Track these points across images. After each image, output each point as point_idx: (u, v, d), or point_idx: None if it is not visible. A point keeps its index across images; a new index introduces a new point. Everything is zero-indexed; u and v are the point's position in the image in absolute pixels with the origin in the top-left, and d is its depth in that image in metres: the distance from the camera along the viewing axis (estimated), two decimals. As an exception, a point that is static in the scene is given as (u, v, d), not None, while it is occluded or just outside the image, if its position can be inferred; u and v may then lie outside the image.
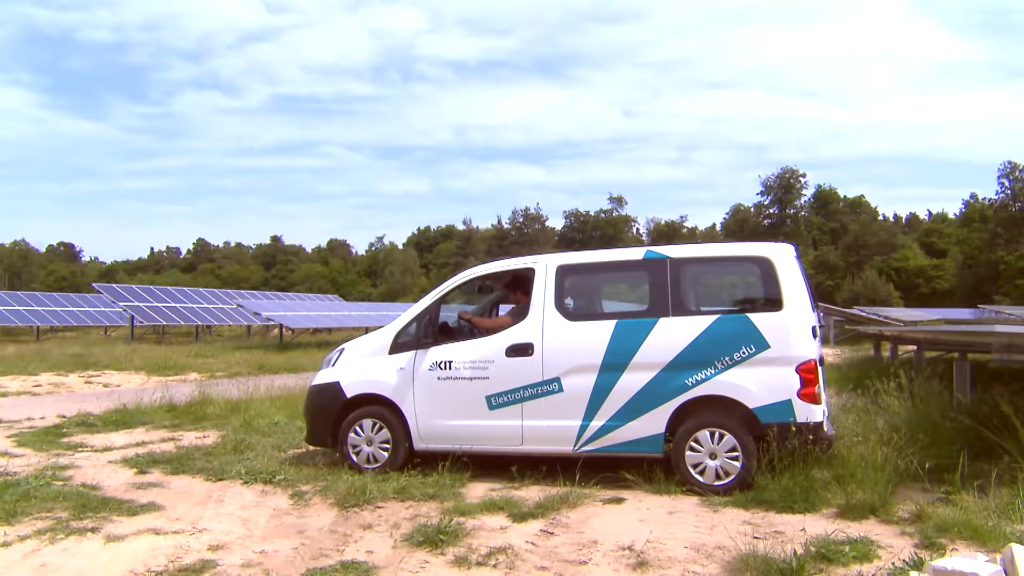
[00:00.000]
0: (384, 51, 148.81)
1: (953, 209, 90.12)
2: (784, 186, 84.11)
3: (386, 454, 6.46)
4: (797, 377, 5.55)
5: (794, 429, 5.46)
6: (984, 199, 79.61)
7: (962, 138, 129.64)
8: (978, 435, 6.04)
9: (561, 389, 6.03)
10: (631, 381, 5.85)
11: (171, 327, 29.85)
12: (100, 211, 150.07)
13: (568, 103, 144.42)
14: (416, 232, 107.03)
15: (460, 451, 6.28)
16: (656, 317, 5.93)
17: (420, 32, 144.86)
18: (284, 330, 24.72)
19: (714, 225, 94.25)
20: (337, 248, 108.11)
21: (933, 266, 72.75)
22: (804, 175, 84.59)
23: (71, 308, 34.77)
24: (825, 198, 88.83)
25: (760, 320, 5.70)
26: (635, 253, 6.62)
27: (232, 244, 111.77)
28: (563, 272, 6.34)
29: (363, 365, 6.66)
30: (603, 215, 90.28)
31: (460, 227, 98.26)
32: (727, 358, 5.68)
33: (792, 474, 5.46)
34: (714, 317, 5.87)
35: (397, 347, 6.55)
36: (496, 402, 6.18)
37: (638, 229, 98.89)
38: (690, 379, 5.74)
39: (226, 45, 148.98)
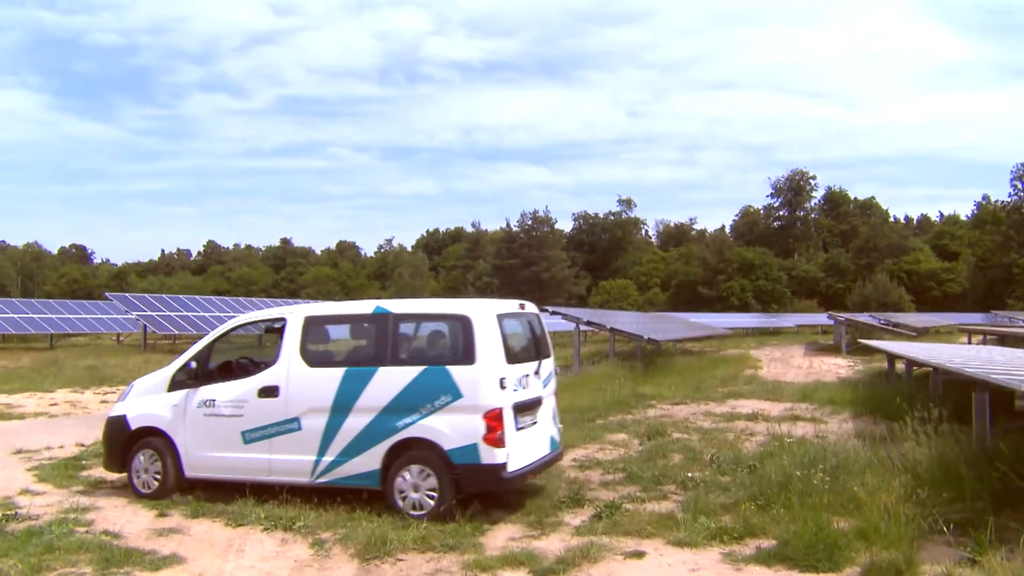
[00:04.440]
0: (389, 53, 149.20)
1: (964, 210, 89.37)
2: (794, 188, 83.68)
3: (157, 483, 7.22)
4: (483, 424, 6.24)
5: (479, 470, 6.21)
6: (997, 201, 78.99)
7: (969, 138, 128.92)
8: (1003, 482, 5.98)
9: (300, 427, 6.76)
10: (355, 422, 6.57)
11: (184, 335, 30.00)
12: (109, 212, 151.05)
13: (572, 104, 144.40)
14: (425, 234, 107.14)
15: (224, 480, 7.07)
16: (377, 366, 6.66)
17: (425, 34, 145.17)
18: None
19: (723, 227, 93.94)
20: (346, 250, 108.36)
21: (945, 269, 72.18)
22: (814, 177, 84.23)
23: (84, 315, 35.01)
24: (835, 200, 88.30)
25: (456, 372, 6.40)
26: (367, 307, 7.27)
27: (242, 246, 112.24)
28: (308, 322, 7.06)
29: (145, 401, 7.47)
30: (612, 217, 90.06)
31: (469, 229, 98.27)
32: (429, 405, 6.40)
33: (815, 526, 5.43)
34: (422, 368, 6.55)
35: (174, 385, 7.34)
36: (249, 437, 6.93)
37: (647, 231, 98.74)
38: (400, 422, 6.45)
39: (232, 47, 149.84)
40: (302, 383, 6.83)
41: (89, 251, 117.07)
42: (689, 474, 7.72)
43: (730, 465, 8.17)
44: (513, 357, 6.72)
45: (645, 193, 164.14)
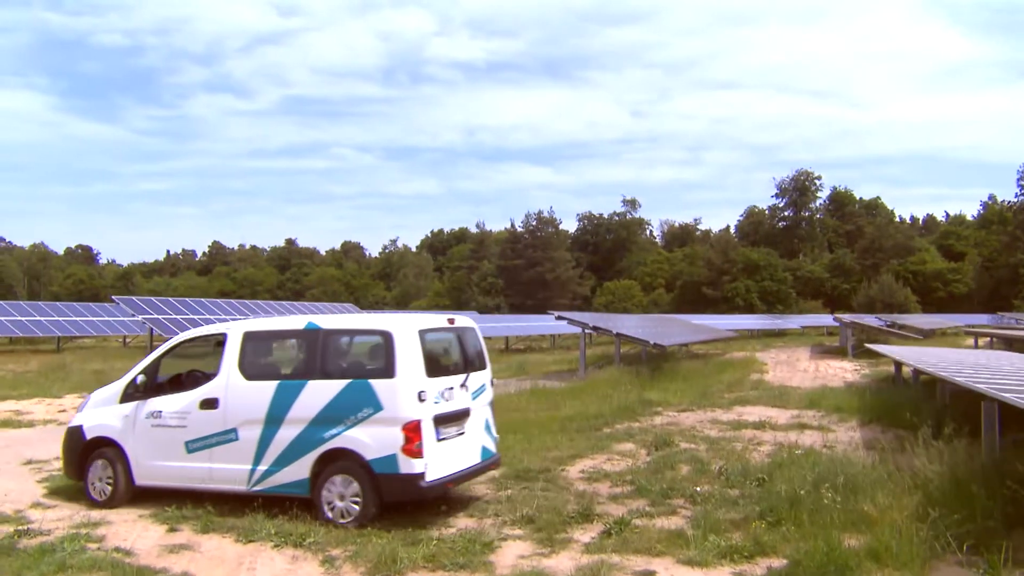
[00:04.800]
0: (393, 53, 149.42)
1: (970, 210, 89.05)
2: (799, 188, 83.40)
3: (111, 489, 7.53)
4: (402, 435, 6.50)
5: (398, 479, 6.51)
6: (1003, 201, 78.63)
7: (974, 138, 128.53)
8: (1014, 501, 5.96)
9: (237, 438, 7.06)
10: (287, 433, 6.87)
11: (189, 339, 30.11)
12: (114, 213, 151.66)
13: (576, 104, 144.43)
14: (429, 235, 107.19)
15: (171, 488, 7.36)
16: (307, 379, 6.96)
17: (428, 34, 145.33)
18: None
19: (728, 227, 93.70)
20: (351, 251, 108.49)
21: (951, 269, 71.88)
22: (819, 177, 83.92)
23: (91, 318, 35.13)
24: (841, 200, 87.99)
25: (378, 386, 6.67)
26: (300, 323, 7.56)
27: (247, 247, 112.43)
28: (247, 337, 7.39)
29: (100, 412, 7.80)
30: (616, 218, 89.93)
31: (473, 230, 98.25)
32: (353, 417, 6.66)
33: (826, 545, 5.41)
34: (347, 382, 6.80)
35: (125, 397, 7.68)
36: (192, 447, 7.25)
37: (651, 231, 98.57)
38: (327, 433, 6.72)
39: (237, 48, 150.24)
40: (239, 395, 7.14)
41: (95, 251, 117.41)
42: (698, 488, 7.71)
43: (738, 477, 8.16)
44: (435, 371, 6.97)
45: (649, 193, 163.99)
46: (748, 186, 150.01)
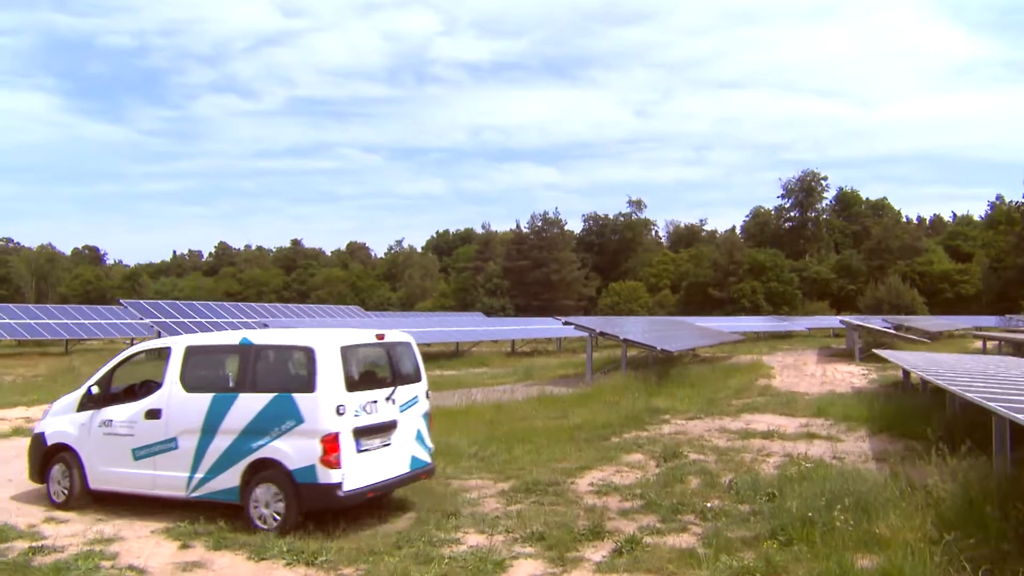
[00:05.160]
0: (398, 53, 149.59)
1: (977, 210, 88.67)
2: (805, 189, 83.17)
3: (67, 493, 7.99)
4: (320, 446, 6.82)
5: (316, 488, 6.83)
6: (1011, 201, 78.21)
7: (981, 137, 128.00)
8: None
9: (177, 446, 7.44)
10: (220, 443, 7.23)
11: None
12: (121, 213, 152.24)
13: (581, 104, 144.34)
14: (435, 235, 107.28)
15: (123, 493, 7.80)
16: (239, 392, 7.32)
17: (433, 34, 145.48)
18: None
19: (733, 228, 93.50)
20: (357, 251, 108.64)
21: (958, 270, 71.53)
22: (826, 177, 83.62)
23: (98, 320, 35.30)
24: (847, 200, 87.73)
25: (300, 399, 7.01)
26: (235, 338, 7.94)
27: (253, 247, 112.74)
28: (189, 351, 7.78)
29: (60, 420, 8.29)
30: (622, 218, 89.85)
31: (479, 230, 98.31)
32: (278, 429, 7.01)
33: (839, 568, 5.41)
34: (273, 395, 7.14)
35: (82, 406, 8.12)
36: (138, 454, 7.65)
37: (656, 232, 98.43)
38: (255, 444, 7.07)
39: (242, 49, 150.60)
40: (180, 406, 7.53)
41: (102, 252, 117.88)
42: (708, 504, 7.70)
43: (748, 492, 8.15)
44: (358, 385, 7.28)
45: (654, 193, 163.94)
46: (753, 186, 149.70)
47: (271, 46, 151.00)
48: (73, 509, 7.82)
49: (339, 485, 6.83)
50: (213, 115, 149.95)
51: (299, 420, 6.93)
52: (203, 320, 30.48)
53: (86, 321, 34.69)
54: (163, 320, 29.28)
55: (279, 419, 7.00)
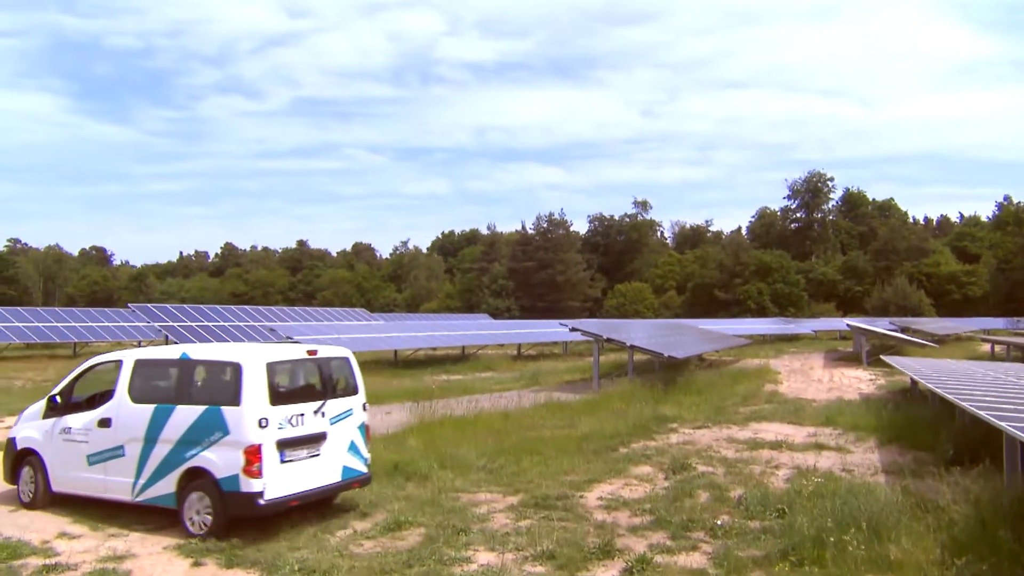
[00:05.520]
0: (402, 54, 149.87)
1: (985, 211, 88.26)
2: (811, 190, 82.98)
3: (33, 494, 8.65)
4: (243, 458, 7.19)
5: (239, 496, 7.20)
6: (1019, 202, 77.89)
7: (988, 136, 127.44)
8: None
9: (124, 454, 7.93)
10: (160, 451, 7.68)
11: (204, 346, 30.41)
12: (127, 213, 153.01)
13: (585, 104, 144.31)
14: (440, 236, 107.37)
15: (81, 496, 8.32)
16: (176, 404, 7.73)
17: (438, 35, 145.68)
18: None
19: (739, 228, 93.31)
20: (362, 252, 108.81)
21: (965, 272, 71.23)
22: (832, 178, 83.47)
23: (106, 323, 35.45)
24: (854, 201, 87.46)
25: (227, 412, 7.37)
26: (176, 352, 8.30)
27: (259, 248, 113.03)
28: (137, 364, 8.26)
29: (29, 425, 8.90)
30: (627, 219, 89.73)
31: (484, 231, 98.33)
32: (208, 440, 7.41)
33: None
34: (205, 407, 7.52)
35: (46, 414, 8.71)
36: (92, 460, 8.17)
37: (662, 233, 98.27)
38: (188, 453, 7.49)
39: (248, 50, 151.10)
40: (127, 416, 8.00)
41: (109, 253, 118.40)
42: (718, 521, 7.70)
43: (758, 507, 8.15)
44: (284, 399, 7.67)
45: (660, 193, 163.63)
46: (758, 186, 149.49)
47: (276, 47, 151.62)
48: (37, 508, 8.50)
49: (260, 494, 7.22)
50: (218, 115, 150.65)
51: (226, 432, 7.32)
52: (210, 323, 30.57)
53: (94, 324, 34.86)
54: (171, 324, 29.38)
55: (209, 430, 7.41)
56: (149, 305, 31.46)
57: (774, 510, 7.97)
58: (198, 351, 8.34)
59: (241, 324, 32.01)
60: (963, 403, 8.34)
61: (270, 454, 7.32)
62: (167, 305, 31.34)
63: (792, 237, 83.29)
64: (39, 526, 7.91)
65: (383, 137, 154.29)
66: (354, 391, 8.48)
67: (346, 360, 8.61)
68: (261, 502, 7.23)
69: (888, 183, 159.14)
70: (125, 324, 35.97)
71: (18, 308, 37.18)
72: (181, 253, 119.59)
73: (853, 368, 27.76)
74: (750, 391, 19.83)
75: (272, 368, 7.63)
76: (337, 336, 26.25)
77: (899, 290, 65.08)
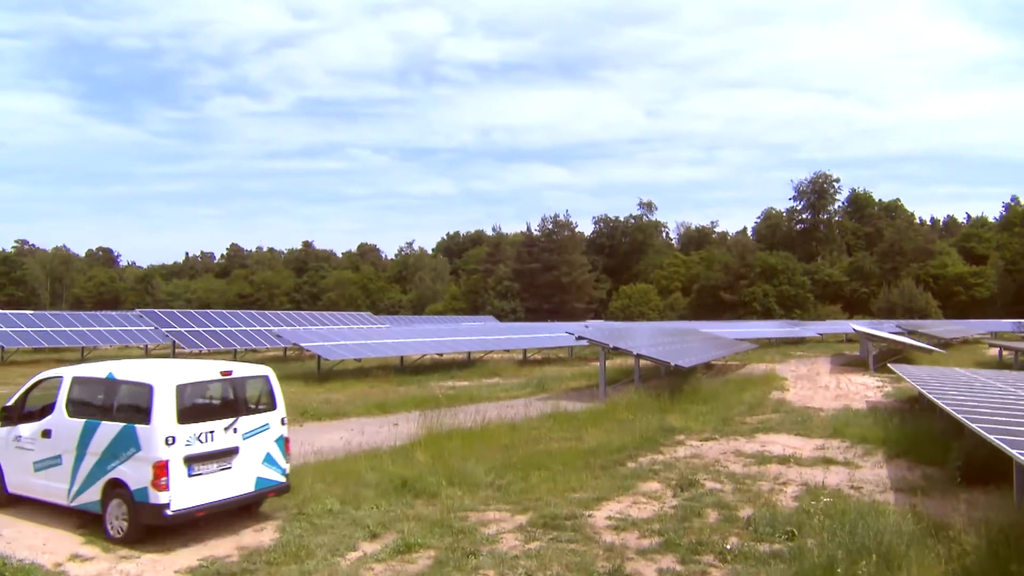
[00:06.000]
0: (407, 54, 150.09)
1: (991, 210, 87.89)
2: (817, 191, 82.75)
3: None
4: (152, 472, 7.81)
5: (148, 507, 7.82)
6: (1026, 203, 77.42)
7: (995, 136, 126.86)
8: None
9: (61, 463, 8.63)
10: (88, 462, 8.37)
11: (211, 351, 30.45)
12: (133, 214, 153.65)
13: (590, 104, 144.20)
14: (445, 237, 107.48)
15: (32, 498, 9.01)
16: (101, 420, 8.39)
17: (442, 35, 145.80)
18: (321, 360, 25.05)
19: (744, 229, 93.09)
20: (367, 253, 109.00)
21: (972, 273, 70.92)
22: (838, 179, 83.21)
23: (114, 328, 35.62)
24: (860, 202, 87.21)
25: (139, 429, 8.00)
26: (103, 372, 8.93)
27: (264, 249, 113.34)
28: (74, 382, 8.97)
29: None
30: (632, 220, 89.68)
31: (488, 232, 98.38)
32: (125, 454, 8.06)
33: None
34: (123, 424, 8.18)
35: (3, 422, 9.41)
36: (37, 467, 8.90)
37: (667, 234, 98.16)
38: (110, 466, 8.16)
39: (253, 50, 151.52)
40: (63, 429, 8.68)
41: (115, 254, 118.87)
42: (727, 544, 7.70)
43: (767, 528, 8.16)
44: (193, 417, 8.19)
45: (665, 193, 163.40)
46: (764, 186, 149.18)
47: (281, 47, 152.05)
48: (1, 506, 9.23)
49: (167, 505, 7.84)
50: (224, 116, 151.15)
51: (138, 448, 7.97)
52: (217, 329, 30.68)
53: (101, 328, 35.03)
54: (178, 329, 29.50)
55: (126, 446, 8.06)
56: (157, 311, 31.59)
57: (783, 532, 7.98)
58: (122, 371, 8.86)
59: (248, 329, 32.12)
60: (974, 425, 8.32)
61: (177, 469, 7.91)
62: (175, 311, 31.46)
63: (798, 238, 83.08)
64: (52, 547, 7.95)
65: (388, 137, 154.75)
66: (272, 407, 9.06)
67: (266, 378, 9.16)
68: (168, 513, 7.83)
69: (895, 182, 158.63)
70: (132, 328, 36.13)
71: (27, 312, 37.39)
72: (187, 254, 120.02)
73: (860, 374, 27.69)
74: (757, 399, 19.81)
75: (181, 389, 8.20)
76: (344, 342, 26.33)
77: (905, 292, 64.88)
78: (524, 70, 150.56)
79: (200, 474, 8.12)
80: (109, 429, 8.23)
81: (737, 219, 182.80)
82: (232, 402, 8.80)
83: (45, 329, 33.51)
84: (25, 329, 32.64)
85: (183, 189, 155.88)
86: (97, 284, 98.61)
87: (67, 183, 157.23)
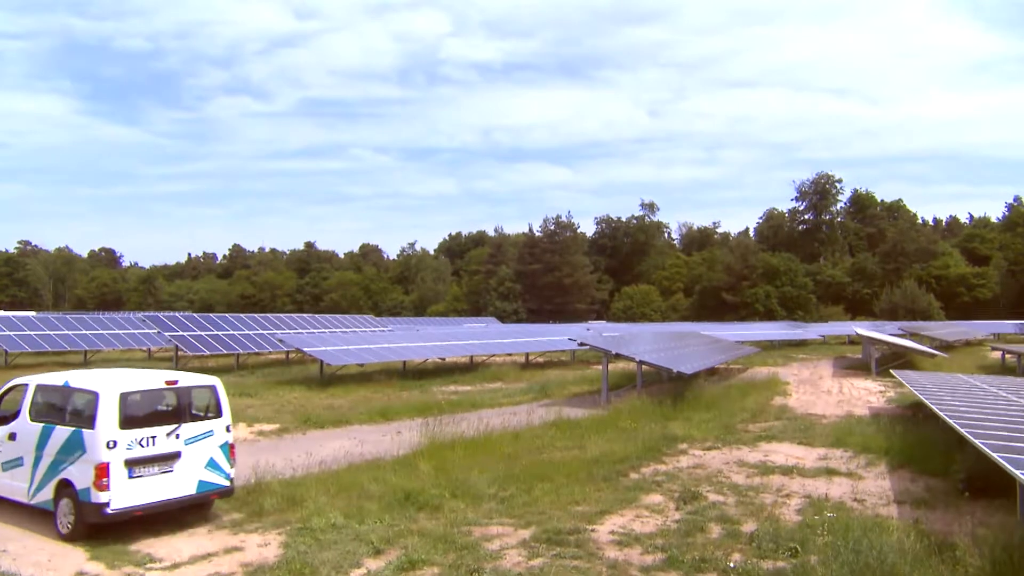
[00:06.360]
0: (409, 54, 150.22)
1: (994, 211, 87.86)
2: (819, 191, 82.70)
3: None
4: (94, 473, 8.43)
5: (90, 506, 8.47)
6: (1029, 204, 77.31)
7: (998, 135, 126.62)
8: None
9: (23, 464, 9.28)
10: (44, 464, 9.01)
11: (215, 355, 30.51)
12: (136, 214, 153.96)
13: (593, 104, 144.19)
14: (447, 238, 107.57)
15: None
16: (56, 424, 9.07)
17: (444, 35, 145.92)
18: (324, 365, 25.09)
19: (747, 229, 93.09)
20: (369, 253, 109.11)
21: (975, 274, 70.87)
22: (840, 180, 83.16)
23: (117, 331, 35.70)
24: (862, 202, 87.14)
25: (85, 434, 8.66)
26: (60, 380, 9.64)
27: (267, 250, 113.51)
28: (36, 389, 9.64)
29: None
30: (634, 221, 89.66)
31: (491, 232, 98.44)
32: (73, 456, 8.71)
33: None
34: (73, 428, 8.84)
35: None
36: (5, 467, 9.58)
37: (669, 234, 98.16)
38: (61, 467, 8.83)
39: (255, 51, 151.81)
40: (25, 432, 9.34)
41: (118, 254, 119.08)
42: (731, 562, 7.71)
43: (770, 544, 8.16)
44: (135, 423, 8.80)
45: (667, 192, 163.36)
46: (766, 185, 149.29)
47: (284, 48, 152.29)
48: None
49: (107, 504, 8.45)
50: (226, 117, 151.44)
51: (84, 451, 8.58)
52: (220, 333, 30.73)
53: (104, 332, 35.11)
54: (181, 334, 29.55)
55: (74, 449, 8.69)
56: (160, 314, 31.65)
57: (787, 549, 7.98)
58: (76, 379, 9.52)
59: (250, 333, 32.17)
60: (977, 441, 8.32)
61: (118, 471, 8.53)
62: (177, 314, 31.53)
63: (800, 239, 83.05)
64: (57, 564, 7.98)
65: (390, 137, 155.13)
66: (217, 414, 9.64)
67: (212, 388, 9.78)
68: (107, 511, 8.45)
69: (897, 182, 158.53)
70: (135, 331, 36.20)
71: (30, 315, 37.50)
72: (189, 254, 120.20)
73: (862, 378, 27.68)
74: (759, 405, 19.82)
75: (124, 397, 8.81)
76: (347, 347, 26.37)
77: (908, 293, 64.82)
78: (526, 70, 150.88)
79: (141, 476, 8.74)
80: (62, 433, 8.91)
81: (739, 219, 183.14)
82: (176, 410, 9.40)
83: (48, 332, 33.60)
84: (28, 332, 32.73)
85: (186, 189, 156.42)
86: (99, 285, 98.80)
87: (70, 184, 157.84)
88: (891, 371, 21.62)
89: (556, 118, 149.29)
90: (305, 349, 25.78)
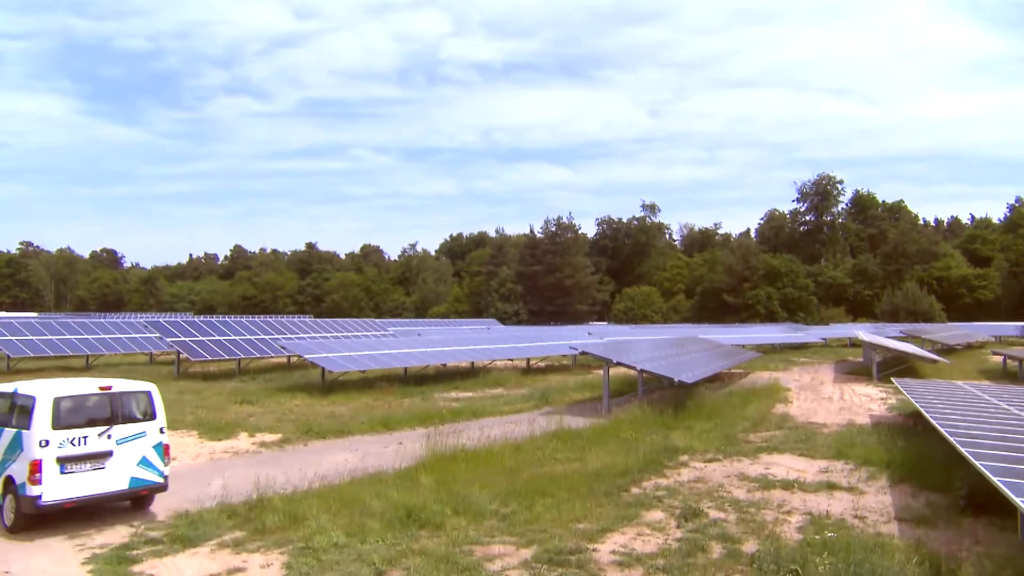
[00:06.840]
0: (409, 54, 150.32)
1: (995, 211, 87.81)
2: (820, 192, 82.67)
3: None
4: (28, 469, 9.36)
5: (26, 499, 9.36)
6: (1031, 205, 77.23)
7: (998, 135, 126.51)
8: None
9: None
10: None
11: (217, 360, 30.55)
12: (137, 214, 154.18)
13: (593, 104, 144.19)
14: (448, 239, 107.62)
15: None
16: (3, 427, 10.05)
17: (444, 35, 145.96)
18: (325, 372, 25.12)
19: (748, 230, 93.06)
20: (370, 254, 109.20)
21: (976, 275, 70.84)
22: (841, 181, 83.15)
23: (119, 336, 35.75)
24: (863, 203, 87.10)
25: (23, 434, 9.61)
26: (11, 388, 10.50)
27: (268, 250, 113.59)
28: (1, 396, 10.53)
29: None
30: (635, 222, 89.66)
31: (491, 233, 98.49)
32: (15, 455, 9.68)
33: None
34: (16, 430, 9.80)
35: None
36: None
37: (670, 235, 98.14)
38: (6, 465, 9.78)
39: (255, 51, 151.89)
40: None
41: (119, 255, 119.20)
42: (732, 585, 7.73)
43: (772, 566, 8.17)
44: (68, 424, 9.73)
45: (668, 192, 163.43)
46: (767, 185, 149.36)
47: (284, 48, 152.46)
48: None
49: (39, 497, 9.36)
50: (226, 117, 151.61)
51: (22, 449, 9.55)
52: (223, 338, 30.78)
53: (107, 336, 35.16)
54: (183, 339, 29.60)
55: (15, 448, 9.66)
56: (161, 320, 31.72)
57: (787, 570, 7.99)
58: (24, 387, 10.39)
59: (252, 338, 32.21)
60: (978, 463, 8.33)
61: (50, 467, 9.47)
62: (179, 319, 31.59)
63: (801, 240, 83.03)
64: (55, 572, 8.04)
65: (390, 137, 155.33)
66: (151, 417, 10.53)
67: (148, 393, 10.69)
68: (41, 503, 9.36)
69: (897, 182, 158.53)
70: (137, 336, 36.24)
71: (32, 320, 37.55)
72: (191, 255, 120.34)
73: (863, 384, 27.70)
74: (760, 414, 19.83)
75: (58, 401, 9.76)
76: (348, 354, 26.40)
77: (909, 295, 64.79)
78: (526, 70, 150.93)
79: (72, 472, 9.66)
80: (8, 434, 9.90)
81: (740, 219, 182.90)
82: (108, 412, 10.24)
83: (50, 337, 33.65)
84: (30, 338, 32.77)
85: (187, 190, 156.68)
86: (101, 286, 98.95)
87: (71, 184, 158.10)
88: (892, 380, 21.62)
89: (556, 118, 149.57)
90: (307, 356, 25.82)
